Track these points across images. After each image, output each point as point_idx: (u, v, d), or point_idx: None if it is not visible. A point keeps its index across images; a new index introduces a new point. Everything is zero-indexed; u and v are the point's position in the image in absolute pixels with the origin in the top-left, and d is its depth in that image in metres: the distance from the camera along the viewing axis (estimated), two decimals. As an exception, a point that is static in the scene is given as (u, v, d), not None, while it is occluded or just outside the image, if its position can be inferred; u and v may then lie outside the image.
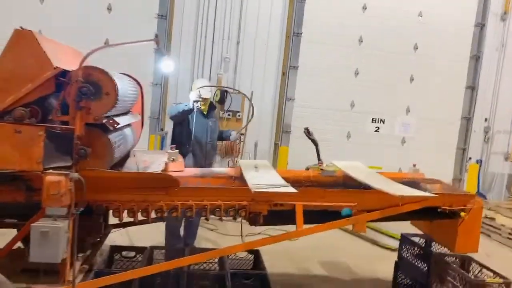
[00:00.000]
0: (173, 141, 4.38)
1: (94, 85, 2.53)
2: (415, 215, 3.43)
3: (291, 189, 2.86)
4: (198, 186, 3.06)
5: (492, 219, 6.89)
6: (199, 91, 4.26)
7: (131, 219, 2.96)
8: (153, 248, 3.88)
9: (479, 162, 8.75)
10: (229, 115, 7.58)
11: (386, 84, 8.37)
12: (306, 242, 5.26)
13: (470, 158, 8.71)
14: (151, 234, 4.72)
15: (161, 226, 4.52)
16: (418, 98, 8.44)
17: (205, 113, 4.39)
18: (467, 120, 8.66)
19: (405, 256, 4.16)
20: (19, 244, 2.98)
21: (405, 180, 3.83)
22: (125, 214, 2.91)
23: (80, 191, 2.50)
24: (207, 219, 3.03)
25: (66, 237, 2.48)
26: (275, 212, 3.10)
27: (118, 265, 3.81)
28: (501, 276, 3.33)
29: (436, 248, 4.00)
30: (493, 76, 8.68)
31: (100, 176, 2.67)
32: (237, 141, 6.80)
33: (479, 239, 3.34)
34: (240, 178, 3.27)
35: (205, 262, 3.78)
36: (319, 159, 4.45)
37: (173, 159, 3.21)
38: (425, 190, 3.61)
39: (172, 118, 4.28)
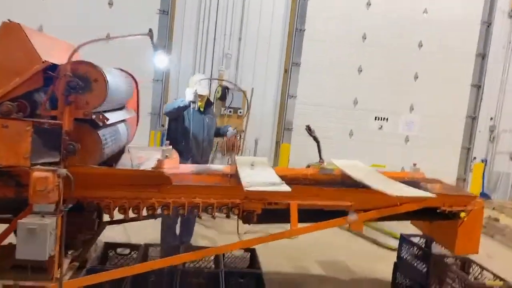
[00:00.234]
0: (168, 137, 4.32)
1: (83, 79, 2.48)
2: (414, 215, 3.35)
3: (285, 188, 2.80)
4: (190, 183, 3.00)
5: (496, 219, 6.77)
6: (195, 89, 4.20)
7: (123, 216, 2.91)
8: (147, 245, 3.83)
9: (484, 161, 8.61)
10: (230, 111, 7.52)
11: (389, 81, 8.25)
12: (305, 240, 5.20)
13: (475, 158, 8.58)
14: (150, 231, 4.68)
15: (160, 223, 4.49)
16: (423, 96, 8.32)
17: (201, 109, 4.33)
18: (472, 119, 8.52)
19: (404, 257, 4.09)
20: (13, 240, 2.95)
21: (405, 180, 3.76)
22: (116, 211, 2.86)
23: (69, 187, 2.46)
24: (199, 217, 2.97)
25: (53, 234, 2.43)
26: (270, 211, 3.03)
27: (113, 262, 3.77)
28: (501, 279, 3.25)
29: (436, 248, 3.93)
30: (499, 74, 8.52)
31: (90, 173, 2.62)
32: (237, 138, 6.74)
33: (479, 240, 3.26)
34: (236, 176, 3.21)
35: (201, 260, 3.73)
36: (320, 157, 4.39)
37: (167, 156, 3.16)
38: (425, 190, 3.52)
39: (166, 114, 4.23)
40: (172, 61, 7.58)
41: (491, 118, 8.64)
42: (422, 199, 3.01)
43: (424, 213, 3.26)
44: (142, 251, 3.69)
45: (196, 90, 4.17)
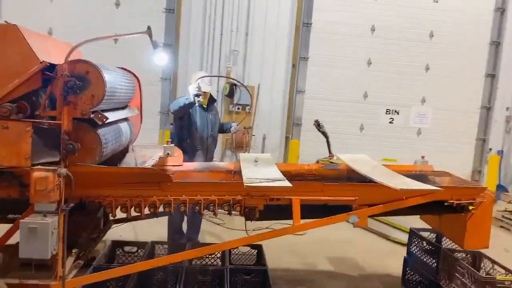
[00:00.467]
0: (173, 136, 4.33)
1: (81, 78, 2.49)
2: (422, 209, 3.27)
3: (286, 183, 2.77)
4: (191, 180, 3.00)
5: (513, 212, 6.59)
6: (198, 84, 4.19)
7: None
8: (154, 243, 3.86)
9: (500, 153, 8.36)
10: (238, 108, 7.50)
11: (400, 73, 8.08)
12: (313, 236, 5.16)
13: (490, 149, 8.34)
14: (159, 229, 4.69)
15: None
16: (435, 88, 8.12)
17: (205, 106, 4.33)
18: (487, 109, 8.28)
19: (414, 252, 4.00)
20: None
21: (412, 173, 3.68)
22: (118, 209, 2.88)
23: (70, 186, 2.48)
24: (201, 214, 2.97)
25: (55, 233, 2.46)
26: (272, 207, 3.01)
27: (120, 260, 3.80)
28: (514, 273, 3.14)
29: (447, 243, 3.83)
30: (515, 62, 8.24)
31: (90, 172, 2.64)
32: (246, 134, 6.72)
33: (489, 234, 3.16)
34: (240, 173, 3.20)
35: (207, 257, 3.74)
36: (330, 151, 4.33)
37: (168, 153, 3.16)
38: (433, 183, 3.45)
39: (174, 112, 4.23)
40: (179, 60, 7.61)
41: (507, 108, 8.37)
42: (427, 192, 2.93)
43: (431, 207, 3.18)
44: (148, 249, 3.72)
45: (199, 84, 4.17)
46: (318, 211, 3.09)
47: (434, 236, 3.97)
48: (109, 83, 2.63)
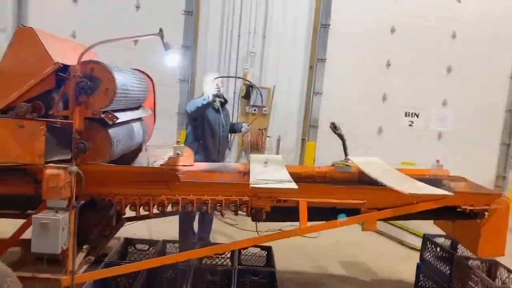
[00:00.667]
0: (188, 137, 4.38)
1: (92, 79, 2.57)
2: (434, 214, 3.20)
3: (292, 185, 2.76)
4: (199, 180, 3.03)
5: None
6: (217, 84, 4.22)
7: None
8: (166, 241, 3.92)
9: (526, 158, 8.06)
10: (254, 110, 7.51)
11: (420, 75, 7.89)
12: (326, 239, 5.12)
13: (515, 154, 8.05)
14: (173, 227, 4.75)
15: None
16: (456, 90, 7.89)
17: (216, 107, 4.36)
18: (513, 112, 8.00)
19: (427, 258, 3.91)
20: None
21: (426, 177, 3.60)
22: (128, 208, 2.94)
23: (81, 184, 2.55)
24: (207, 213, 2.99)
25: (66, 229, 2.54)
26: (280, 208, 3.01)
27: (132, 257, 3.88)
28: (531, 284, 3.03)
29: (462, 250, 3.72)
30: (543, 63, 7.92)
31: (100, 170, 2.71)
32: (260, 136, 6.73)
33: (505, 242, 3.04)
34: (249, 174, 3.21)
35: (218, 257, 3.77)
36: (346, 154, 4.28)
37: (178, 153, 3.20)
38: (448, 188, 3.35)
39: (191, 113, 4.25)
40: (197, 61, 7.70)
41: (534, 112, 8.06)
42: (438, 198, 2.86)
43: (444, 213, 3.10)
44: (159, 247, 3.78)
45: (218, 85, 4.21)
46: (326, 214, 3.07)
47: (449, 242, 3.86)
48: (120, 84, 2.70)
